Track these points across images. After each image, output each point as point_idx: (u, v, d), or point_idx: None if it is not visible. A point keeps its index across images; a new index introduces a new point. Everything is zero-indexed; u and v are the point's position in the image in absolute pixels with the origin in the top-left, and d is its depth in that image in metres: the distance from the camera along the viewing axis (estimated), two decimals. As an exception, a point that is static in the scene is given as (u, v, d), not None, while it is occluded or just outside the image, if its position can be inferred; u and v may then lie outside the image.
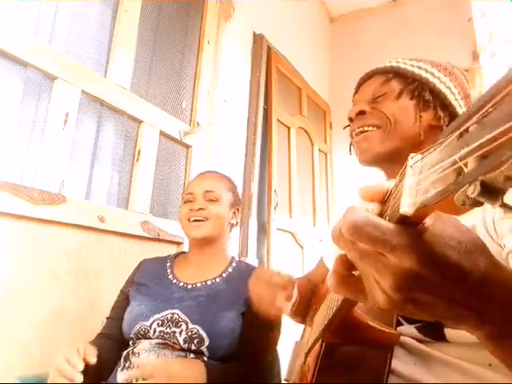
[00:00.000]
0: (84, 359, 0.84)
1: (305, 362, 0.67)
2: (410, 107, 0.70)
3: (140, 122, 1.49)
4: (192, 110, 1.77)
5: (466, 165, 0.20)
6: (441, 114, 0.71)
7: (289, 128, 2.41)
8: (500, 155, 0.17)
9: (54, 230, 1.16)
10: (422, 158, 0.26)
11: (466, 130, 0.20)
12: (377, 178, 0.78)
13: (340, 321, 0.49)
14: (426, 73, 0.73)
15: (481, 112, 0.19)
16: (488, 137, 0.18)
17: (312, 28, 2.99)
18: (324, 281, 0.87)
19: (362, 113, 0.73)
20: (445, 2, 2.70)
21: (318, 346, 0.57)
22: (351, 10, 3.15)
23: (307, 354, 0.66)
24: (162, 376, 0.81)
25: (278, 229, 2.16)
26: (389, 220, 0.28)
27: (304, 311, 0.86)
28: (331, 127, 2.96)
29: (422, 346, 0.59)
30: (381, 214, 0.30)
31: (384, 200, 0.31)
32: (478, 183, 0.19)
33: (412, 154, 0.27)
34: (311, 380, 0.54)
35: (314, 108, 2.79)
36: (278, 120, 2.28)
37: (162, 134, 1.58)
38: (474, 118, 0.20)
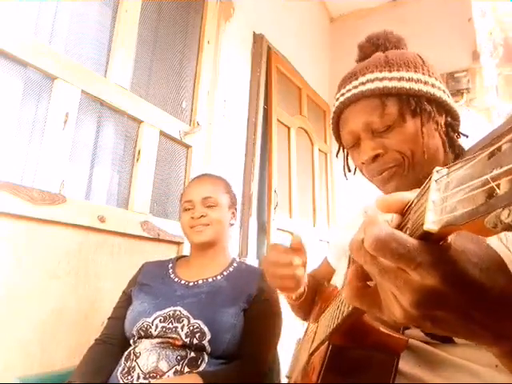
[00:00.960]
0: None
1: (308, 362, 0.67)
2: (417, 128, 0.67)
3: (140, 122, 1.49)
4: (192, 110, 1.76)
5: (498, 186, 0.18)
6: (439, 116, 0.70)
7: (289, 128, 2.41)
8: None
9: (53, 230, 1.16)
10: (447, 174, 0.25)
11: (499, 149, 0.19)
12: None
13: (349, 325, 0.49)
14: (415, 83, 0.69)
15: None
16: None
17: (312, 28, 2.99)
18: (329, 280, 0.87)
19: (376, 156, 0.69)
20: (445, 1, 2.70)
21: (324, 347, 0.56)
22: (351, 9, 3.15)
23: (311, 355, 0.66)
24: None
25: (278, 229, 2.16)
26: (409, 234, 0.27)
27: (307, 308, 0.86)
28: (331, 127, 2.95)
29: (427, 347, 0.59)
30: (399, 226, 0.29)
31: (403, 212, 0.30)
32: None
33: (437, 168, 0.26)
34: (316, 381, 0.54)
35: (313, 108, 2.79)
36: (278, 120, 2.28)
37: (162, 134, 1.58)
38: (509, 136, 0.18)
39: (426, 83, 0.69)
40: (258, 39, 2.21)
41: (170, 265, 1.18)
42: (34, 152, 1.15)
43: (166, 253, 1.51)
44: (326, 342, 0.55)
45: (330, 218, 2.77)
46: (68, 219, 1.18)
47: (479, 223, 0.20)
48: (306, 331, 0.89)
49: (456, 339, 0.56)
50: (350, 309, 0.44)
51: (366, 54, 0.78)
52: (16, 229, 1.07)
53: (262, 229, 2.10)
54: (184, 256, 1.29)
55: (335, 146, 0.84)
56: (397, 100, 0.68)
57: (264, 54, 2.21)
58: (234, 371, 0.96)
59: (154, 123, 1.53)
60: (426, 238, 0.26)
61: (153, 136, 1.53)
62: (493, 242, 0.53)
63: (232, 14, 2.00)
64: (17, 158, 1.12)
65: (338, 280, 0.77)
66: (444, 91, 0.72)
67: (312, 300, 0.86)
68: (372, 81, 0.69)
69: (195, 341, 0.95)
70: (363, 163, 0.72)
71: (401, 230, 0.28)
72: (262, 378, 1.03)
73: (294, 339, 0.98)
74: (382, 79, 0.69)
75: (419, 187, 0.28)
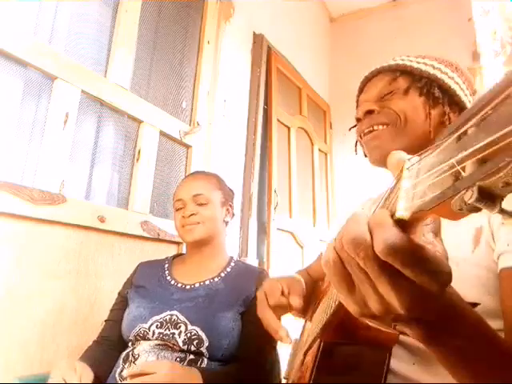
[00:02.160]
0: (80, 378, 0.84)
1: (303, 361, 0.66)
2: (419, 104, 0.69)
3: (140, 122, 1.49)
4: (192, 110, 1.76)
5: (463, 169, 0.19)
6: (450, 110, 0.70)
7: (289, 128, 2.41)
8: (498, 160, 0.17)
9: (53, 230, 1.16)
10: (419, 161, 0.25)
11: (465, 133, 0.19)
12: (376, 178, 0.78)
13: (339, 320, 0.49)
14: (433, 69, 0.71)
15: (480, 114, 0.18)
16: (486, 141, 0.17)
17: (312, 28, 2.99)
18: (324, 278, 0.87)
19: (370, 112, 0.71)
20: (445, 1, 2.70)
21: (316, 345, 0.56)
22: (351, 10, 3.15)
23: (306, 353, 0.65)
24: (163, 375, 0.80)
25: (278, 229, 2.16)
26: None
27: (304, 306, 0.86)
28: (331, 127, 2.95)
29: (421, 346, 0.59)
30: None
31: (378, 204, 0.31)
32: (475, 189, 0.18)
33: (409, 156, 0.27)
34: (309, 380, 0.54)
35: (313, 108, 2.79)
36: (278, 120, 2.28)
37: (162, 134, 1.58)
38: (473, 120, 0.19)
39: (444, 73, 0.71)
40: (258, 39, 2.21)
41: (166, 265, 1.16)
42: (33, 152, 1.15)
43: (166, 253, 1.51)
44: (318, 340, 0.55)
45: (330, 217, 2.77)
46: (68, 219, 1.18)
47: (447, 207, 0.21)
48: (302, 330, 0.89)
49: None
50: (337, 302, 0.43)
51: None
52: (16, 229, 1.07)
53: (262, 229, 2.10)
54: (181, 254, 1.27)
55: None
56: (410, 78, 0.71)
57: (264, 54, 2.21)
58: (233, 373, 0.96)
59: (154, 123, 1.53)
60: (399, 226, 0.26)
61: (153, 136, 1.53)
62: (492, 244, 0.53)
63: (232, 14, 2.00)
64: (17, 157, 1.12)
65: None
66: (464, 91, 0.72)
67: (308, 298, 0.86)
68: (396, 60, 0.75)
69: (193, 348, 0.94)
70: (358, 120, 0.75)
71: None
72: (262, 379, 1.02)
73: (292, 340, 0.98)
74: (404, 60, 0.74)
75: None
